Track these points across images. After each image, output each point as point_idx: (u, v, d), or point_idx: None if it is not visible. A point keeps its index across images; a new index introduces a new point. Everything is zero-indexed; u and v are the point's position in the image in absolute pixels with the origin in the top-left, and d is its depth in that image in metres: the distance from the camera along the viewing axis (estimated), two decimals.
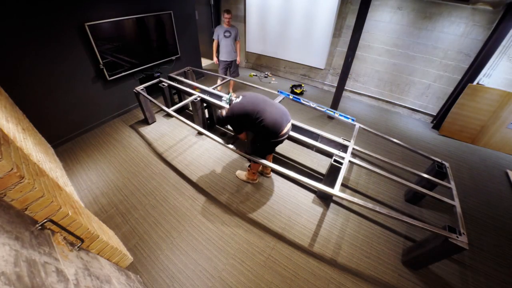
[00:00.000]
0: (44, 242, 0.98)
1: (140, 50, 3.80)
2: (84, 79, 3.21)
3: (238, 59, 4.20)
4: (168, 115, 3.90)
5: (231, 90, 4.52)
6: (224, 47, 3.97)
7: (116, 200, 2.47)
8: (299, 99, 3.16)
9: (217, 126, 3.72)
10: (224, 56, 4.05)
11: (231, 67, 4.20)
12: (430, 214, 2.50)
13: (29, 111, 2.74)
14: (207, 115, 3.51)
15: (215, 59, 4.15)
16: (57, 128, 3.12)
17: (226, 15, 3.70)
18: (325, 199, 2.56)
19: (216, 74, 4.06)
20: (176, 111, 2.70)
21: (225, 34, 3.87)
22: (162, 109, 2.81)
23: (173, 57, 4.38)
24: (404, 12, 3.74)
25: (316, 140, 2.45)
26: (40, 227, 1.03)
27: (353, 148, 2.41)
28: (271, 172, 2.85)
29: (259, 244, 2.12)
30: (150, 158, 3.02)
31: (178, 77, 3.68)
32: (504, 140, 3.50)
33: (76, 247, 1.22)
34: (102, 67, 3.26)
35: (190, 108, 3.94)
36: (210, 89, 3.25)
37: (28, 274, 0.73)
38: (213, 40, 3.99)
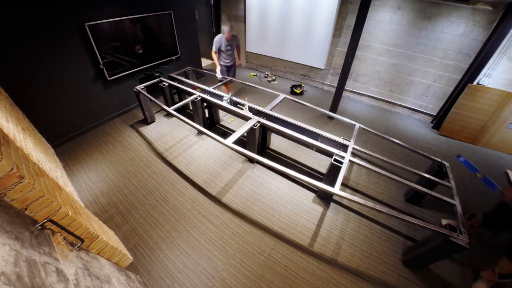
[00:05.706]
0: (44, 242, 0.98)
1: (140, 50, 3.79)
2: (84, 79, 3.21)
3: (239, 62, 4.09)
4: (168, 115, 3.90)
5: (230, 93, 4.36)
6: (224, 58, 3.85)
7: (116, 200, 2.47)
8: None
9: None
10: (223, 62, 3.92)
11: (230, 70, 4.09)
12: (430, 214, 2.50)
13: (29, 111, 2.74)
14: (207, 115, 3.51)
15: (218, 70, 3.82)
16: (57, 128, 3.12)
17: (226, 31, 3.52)
18: (325, 199, 2.56)
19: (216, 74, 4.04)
20: (176, 110, 2.70)
21: (227, 47, 3.73)
22: (161, 109, 2.82)
23: (173, 57, 4.38)
24: (404, 12, 3.74)
25: (316, 140, 2.45)
26: (40, 227, 1.03)
27: (353, 148, 2.41)
28: None
29: (259, 244, 2.12)
30: (150, 158, 3.02)
31: (179, 77, 3.68)
32: (504, 140, 3.50)
33: (76, 247, 1.22)
34: (102, 67, 3.26)
35: (191, 108, 3.93)
36: (210, 88, 3.26)
37: (28, 274, 0.73)
38: (213, 52, 3.72)
